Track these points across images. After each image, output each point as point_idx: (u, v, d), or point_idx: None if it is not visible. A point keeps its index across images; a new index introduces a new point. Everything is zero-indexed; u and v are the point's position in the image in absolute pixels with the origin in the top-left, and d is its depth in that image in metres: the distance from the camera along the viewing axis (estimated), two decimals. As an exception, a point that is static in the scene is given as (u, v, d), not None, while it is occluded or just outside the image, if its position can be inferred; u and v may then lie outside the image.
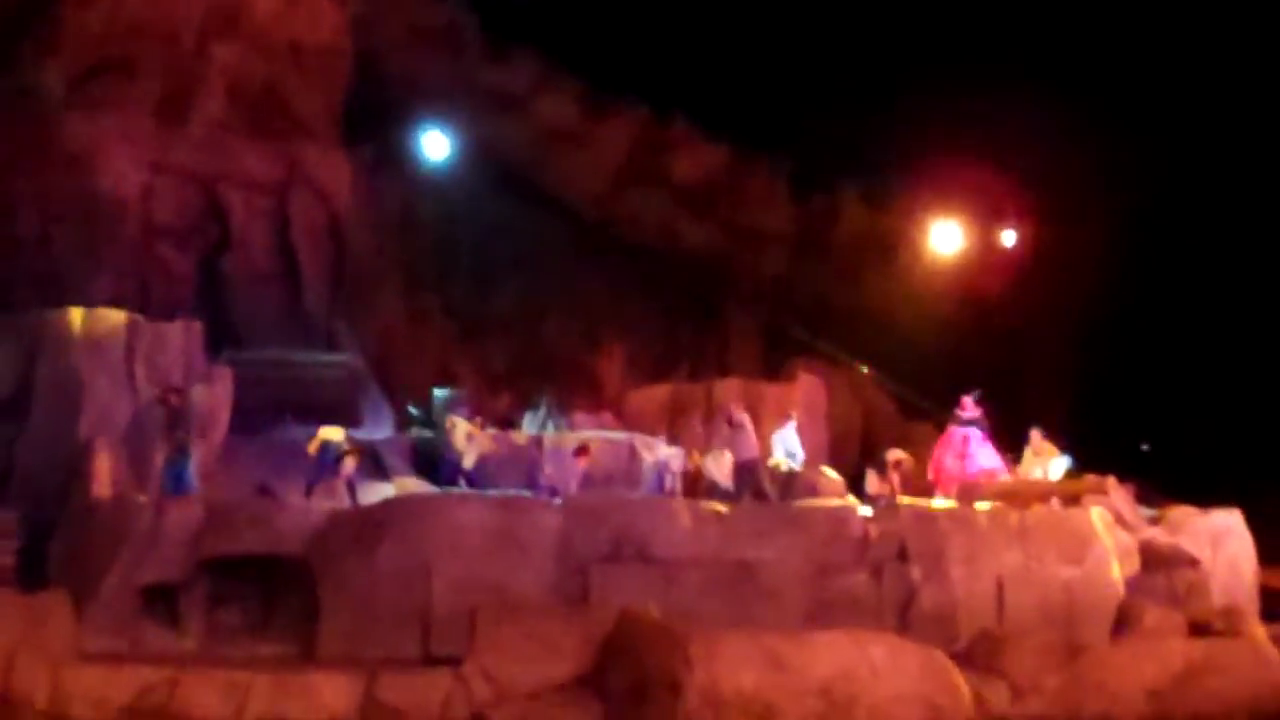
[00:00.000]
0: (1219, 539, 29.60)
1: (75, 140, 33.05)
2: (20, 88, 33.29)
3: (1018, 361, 47.22)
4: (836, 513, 26.34)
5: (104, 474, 24.57)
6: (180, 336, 27.97)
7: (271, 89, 36.80)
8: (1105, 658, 23.01)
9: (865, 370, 45.98)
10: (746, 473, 30.45)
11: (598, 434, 33.44)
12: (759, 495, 29.88)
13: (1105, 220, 47.15)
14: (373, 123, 39.99)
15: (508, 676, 20.31)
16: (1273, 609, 28.91)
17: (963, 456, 31.83)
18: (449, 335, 42.89)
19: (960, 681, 21.03)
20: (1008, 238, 47.40)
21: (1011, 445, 32.47)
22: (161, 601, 22.48)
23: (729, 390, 36.89)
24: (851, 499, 29.86)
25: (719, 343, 47.79)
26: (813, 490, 30.78)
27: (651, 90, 46.29)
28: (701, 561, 24.01)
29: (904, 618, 24.60)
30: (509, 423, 34.83)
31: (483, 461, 30.18)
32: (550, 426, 35.00)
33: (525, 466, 30.67)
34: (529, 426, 34.81)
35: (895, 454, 32.62)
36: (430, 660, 21.48)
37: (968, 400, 32.75)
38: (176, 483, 25.05)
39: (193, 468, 25.57)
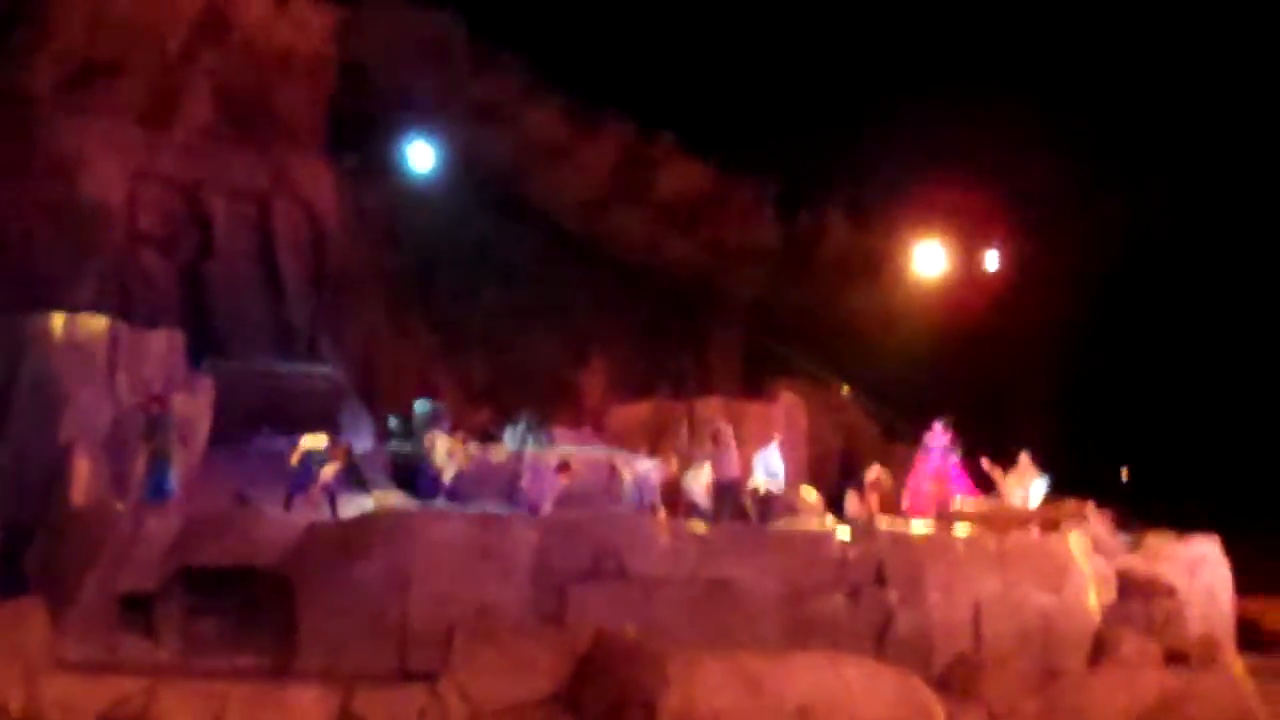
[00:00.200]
0: (1197, 567, 29.70)
1: (59, 145, 32.88)
2: (4, 91, 33.14)
3: (998, 384, 47.34)
4: (814, 535, 26.46)
5: (82, 480, 24.52)
6: (162, 344, 27.91)
7: (257, 96, 36.64)
8: (1081, 685, 23.10)
9: (847, 390, 45.97)
10: (727, 492, 30.42)
11: (578, 449, 33.41)
12: (739, 515, 29.86)
13: (1088, 243, 47.30)
14: (358, 132, 39.89)
15: (483, 693, 20.31)
16: (1250, 638, 29.01)
17: (942, 480, 31.76)
18: (430, 348, 42.76)
19: (936, 706, 21.07)
20: (991, 259, 47.47)
21: (991, 466, 32.40)
22: (139, 610, 22.44)
23: (710, 408, 36.84)
24: (830, 520, 29.88)
25: (701, 360, 47.76)
26: (791, 511, 30.78)
27: (638, 106, 46.31)
28: (679, 580, 24.02)
29: (880, 641, 24.69)
30: (489, 436, 34.76)
31: (462, 476, 30.14)
32: (531, 441, 34.93)
33: (504, 482, 30.65)
34: (509, 441, 34.72)
35: (873, 472, 32.60)
36: (407, 675, 21.46)
37: (938, 425, 32.67)
38: (158, 491, 24.99)
39: (174, 476, 25.51)
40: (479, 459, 31.15)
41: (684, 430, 36.44)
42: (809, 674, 20.33)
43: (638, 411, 39.03)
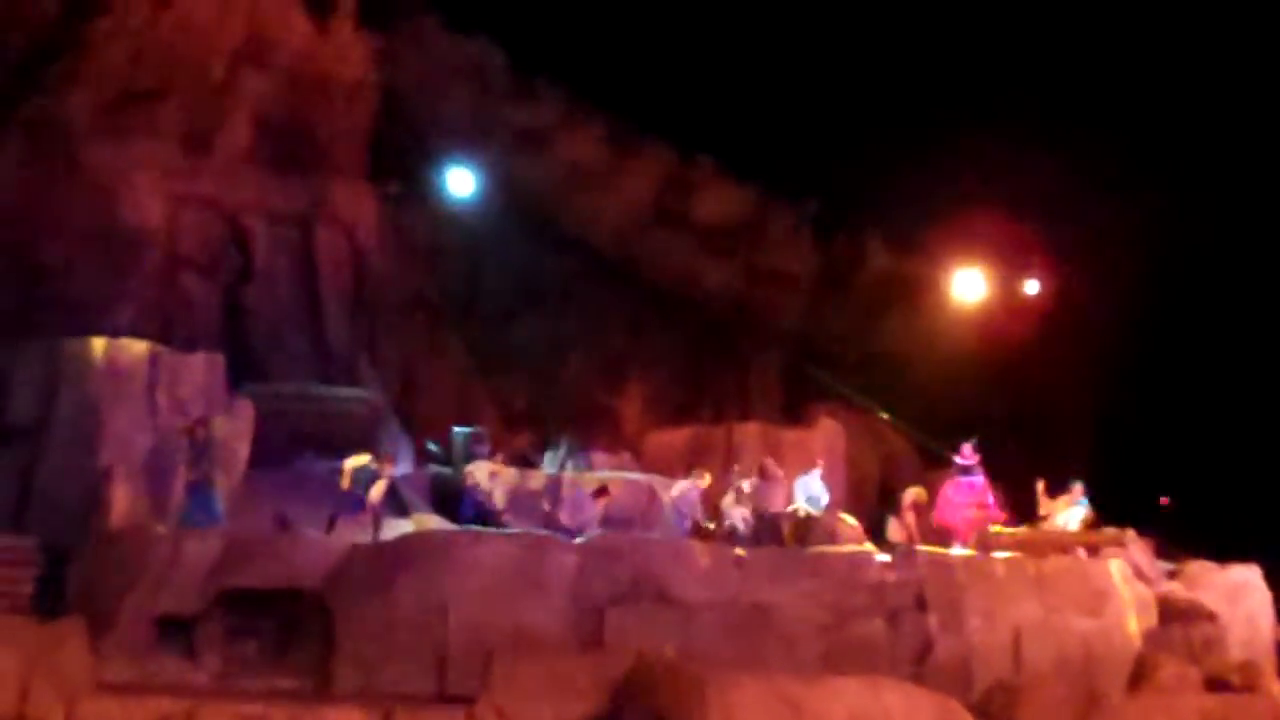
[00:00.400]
0: (1237, 594, 29.52)
1: (100, 169, 33.07)
2: (46, 115, 33.32)
3: (1038, 412, 47.19)
4: (853, 558, 26.29)
5: (122, 504, 24.62)
6: (202, 368, 28.03)
7: (298, 122, 36.85)
8: (1122, 710, 22.86)
9: (885, 416, 45.85)
10: (769, 524, 30.38)
11: (616, 474, 33.39)
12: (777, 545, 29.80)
13: (1128, 272, 47.13)
14: (398, 158, 40.05)
15: (521, 715, 20.19)
16: (1290, 665, 28.80)
17: (984, 506, 31.64)
18: (469, 372, 42.85)
19: (976, 731, 20.93)
20: (1031, 287, 47.35)
21: (1025, 491, 32.29)
22: (178, 633, 22.47)
23: (748, 434, 36.82)
24: (869, 545, 29.80)
25: (739, 385, 47.67)
26: (831, 536, 30.69)
27: (677, 131, 46.41)
28: (718, 604, 23.97)
29: (919, 666, 24.52)
30: (528, 462, 34.80)
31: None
32: (569, 466, 34.96)
33: (543, 506, 30.66)
34: (548, 465, 34.78)
35: (911, 494, 32.55)
36: (445, 698, 21.42)
37: (966, 448, 32.56)
38: (205, 513, 25.06)
39: (219, 498, 25.60)
40: (518, 484, 31.12)
41: (719, 459, 36.34)
42: (848, 698, 20.18)
43: (676, 437, 38.95)
